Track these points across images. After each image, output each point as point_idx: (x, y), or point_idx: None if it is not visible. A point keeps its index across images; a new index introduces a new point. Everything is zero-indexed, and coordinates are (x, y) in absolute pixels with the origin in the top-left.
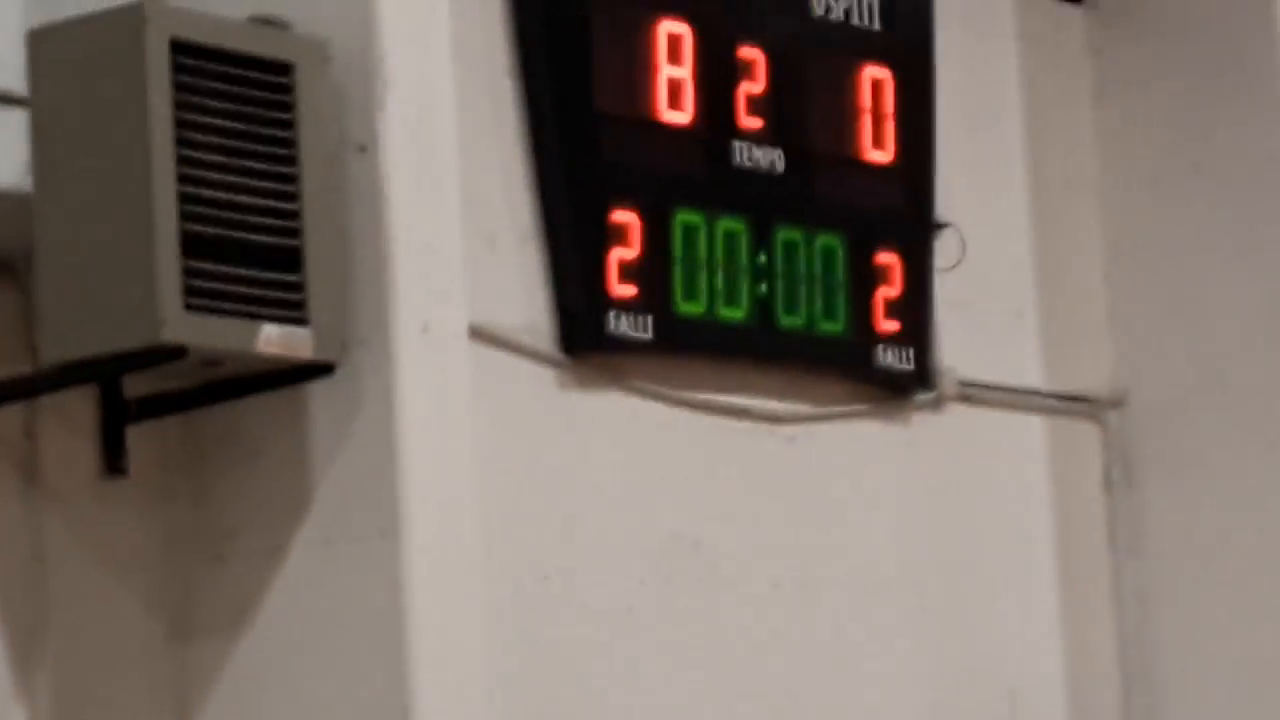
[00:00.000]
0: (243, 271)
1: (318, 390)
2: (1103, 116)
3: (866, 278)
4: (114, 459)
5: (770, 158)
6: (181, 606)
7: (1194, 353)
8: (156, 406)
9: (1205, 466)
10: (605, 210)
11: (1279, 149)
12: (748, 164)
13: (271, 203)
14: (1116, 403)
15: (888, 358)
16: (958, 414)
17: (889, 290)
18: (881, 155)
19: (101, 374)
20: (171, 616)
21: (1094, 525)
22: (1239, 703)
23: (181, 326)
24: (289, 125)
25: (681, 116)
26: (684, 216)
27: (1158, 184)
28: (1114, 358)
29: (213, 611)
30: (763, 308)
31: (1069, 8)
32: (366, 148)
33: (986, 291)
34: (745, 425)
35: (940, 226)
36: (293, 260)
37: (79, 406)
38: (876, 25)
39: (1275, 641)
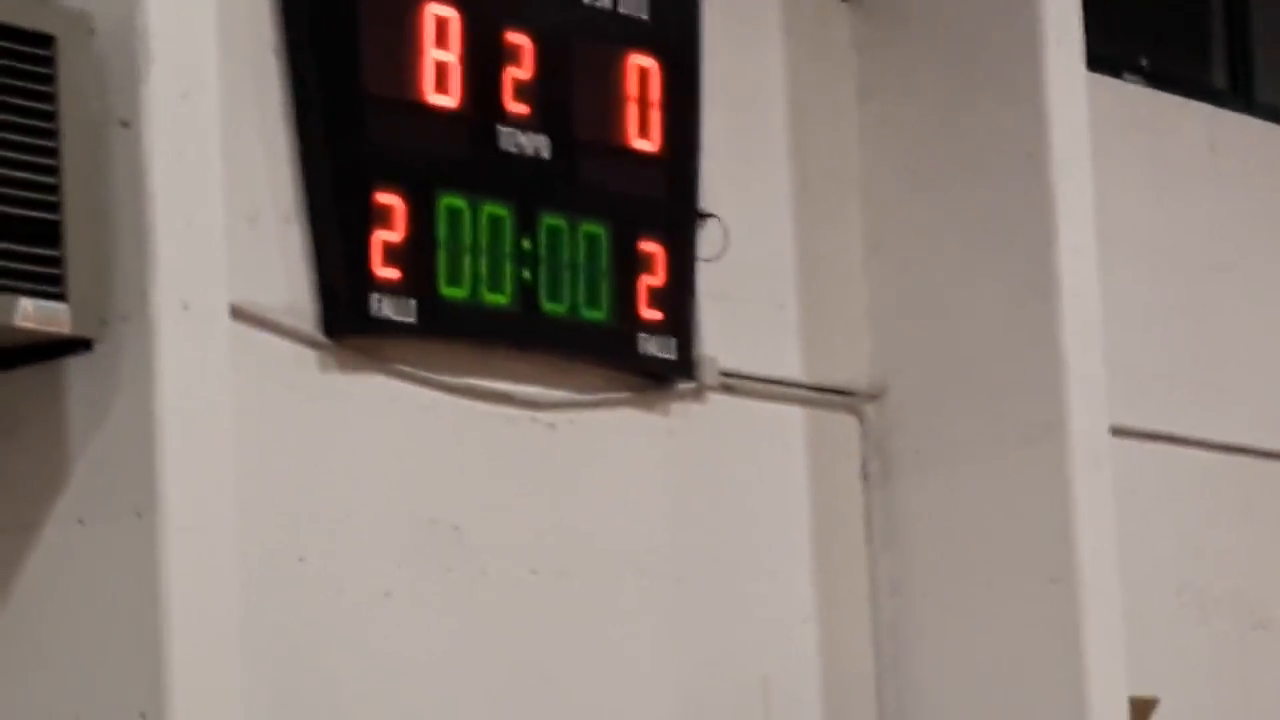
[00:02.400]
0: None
1: (75, 366)
2: (866, 112)
3: (630, 266)
4: None
5: (536, 144)
6: None
7: (951, 348)
8: None
9: (960, 460)
10: (369, 192)
11: (1037, 148)
12: (513, 149)
13: (30, 176)
14: (874, 396)
15: (650, 346)
16: (718, 403)
17: (652, 279)
18: (647, 144)
19: None
20: None
21: (850, 516)
22: (990, 693)
23: None
24: (49, 98)
25: (448, 100)
26: (448, 200)
27: (918, 180)
28: (872, 351)
29: None
30: (526, 293)
31: (834, 3)
32: (129, 123)
33: (748, 283)
34: (507, 410)
35: (704, 217)
36: (51, 234)
37: None
38: (644, 15)
39: (1026, 633)
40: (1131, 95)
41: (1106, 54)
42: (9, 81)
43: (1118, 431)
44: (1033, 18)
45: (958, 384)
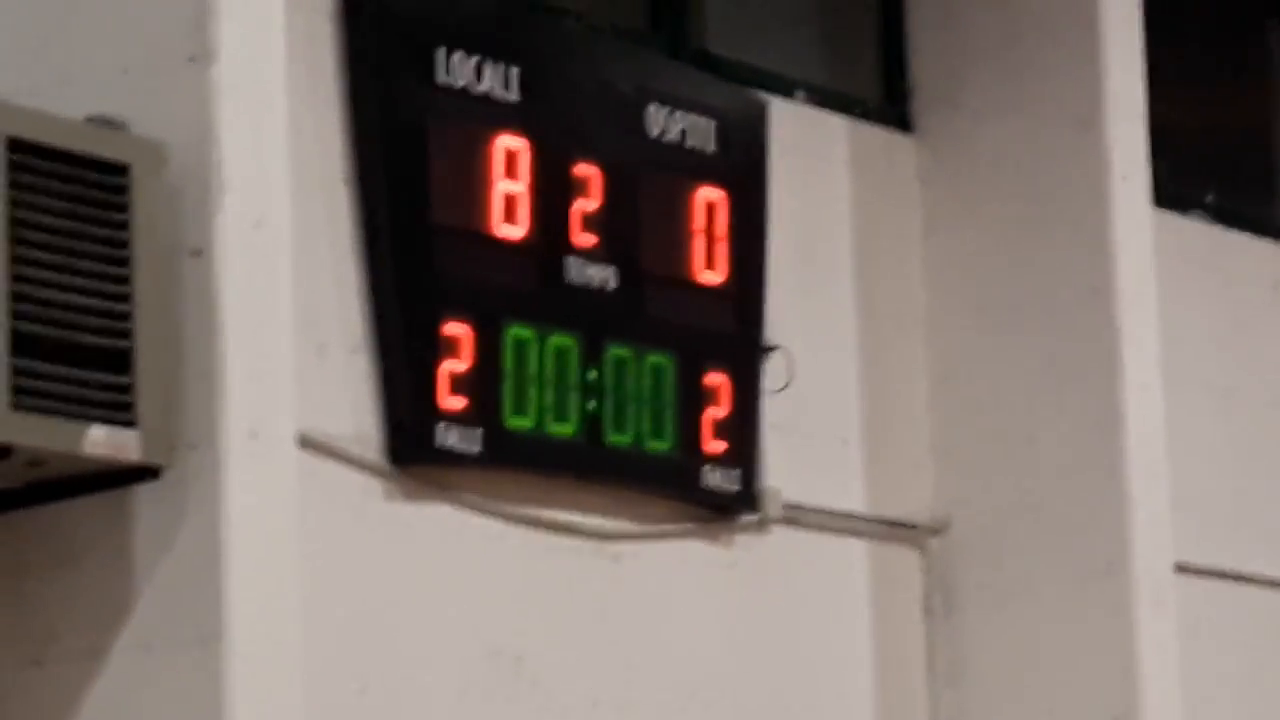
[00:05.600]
0: (72, 371)
1: (144, 493)
2: (931, 246)
3: (695, 398)
4: None
5: (603, 275)
6: None
7: (1014, 482)
8: None
9: (1023, 596)
10: (437, 322)
11: (1103, 284)
12: (580, 280)
13: (103, 303)
14: (937, 530)
15: (714, 478)
16: (781, 536)
17: (717, 411)
18: (713, 276)
19: None
20: None
21: (913, 651)
22: None
23: (7, 425)
24: (123, 226)
25: (516, 231)
26: (516, 331)
27: (983, 314)
28: (936, 485)
29: (28, 717)
30: (592, 424)
31: (900, 137)
32: (201, 251)
33: (813, 415)
34: (571, 542)
35: (769, 349)
36: (123, 362)
37: None
38: (712, 148)
39: None
40: (1197, 232)
41: (1173, 191)
42: (84, 210)
43: (1182, 569)
44: (1100, 153)
45: (1022, 519)
